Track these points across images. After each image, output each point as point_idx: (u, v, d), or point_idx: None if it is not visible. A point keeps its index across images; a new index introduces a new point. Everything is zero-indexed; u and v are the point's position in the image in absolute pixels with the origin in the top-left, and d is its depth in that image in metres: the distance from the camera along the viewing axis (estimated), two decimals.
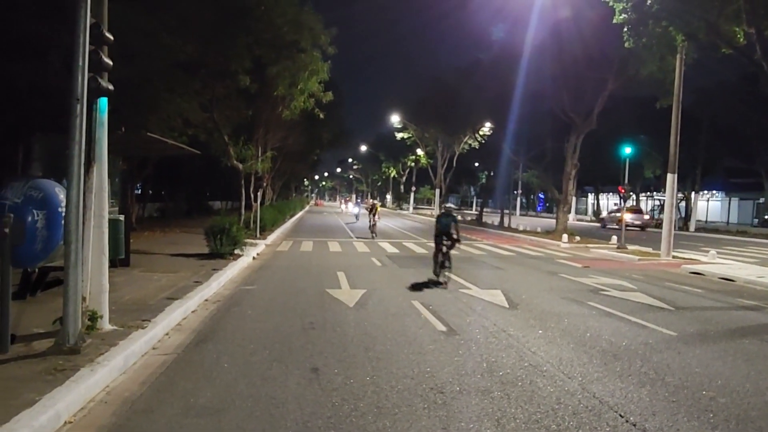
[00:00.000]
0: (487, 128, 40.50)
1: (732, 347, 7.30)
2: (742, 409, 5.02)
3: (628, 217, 33.99)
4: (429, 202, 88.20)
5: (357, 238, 24.98)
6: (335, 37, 19.74)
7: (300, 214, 53.16)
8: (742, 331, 8.39)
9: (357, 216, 39.84)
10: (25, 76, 13.99)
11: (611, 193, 60.70)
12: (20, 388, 4.61)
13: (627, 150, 22.60)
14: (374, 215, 25.24)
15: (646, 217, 40.67)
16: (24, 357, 5.50)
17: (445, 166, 51.77)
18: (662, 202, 40.21)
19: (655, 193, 54.47)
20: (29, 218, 7.44)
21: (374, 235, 24.86)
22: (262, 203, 24.15)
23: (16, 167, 15.07)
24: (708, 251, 19.35)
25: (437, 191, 55.23)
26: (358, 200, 78.83)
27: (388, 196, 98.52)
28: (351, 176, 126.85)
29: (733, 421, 4.75)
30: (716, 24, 14.71)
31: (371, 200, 38.37)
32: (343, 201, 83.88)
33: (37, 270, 8.37)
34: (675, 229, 20.21)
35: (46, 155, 9.34)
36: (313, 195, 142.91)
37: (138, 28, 14.07)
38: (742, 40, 15.15)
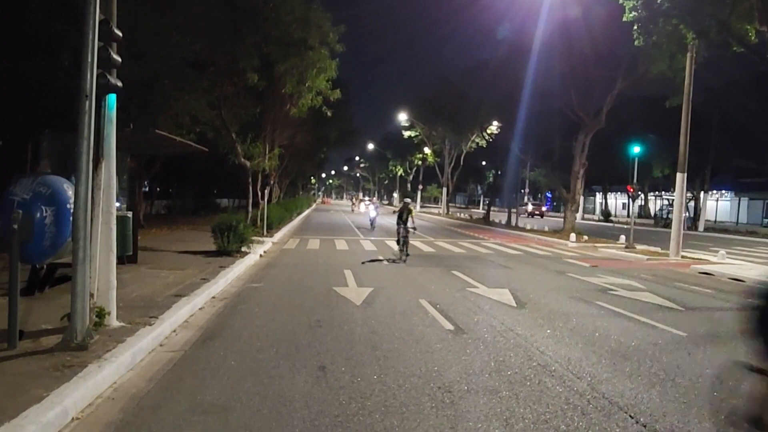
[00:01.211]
0: (494, 127, 40.41)
1: (743, 348, 7.21)
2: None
3: (530, 207, 55.97)
4: (436, 200, 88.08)
5: (364, 236, 24.95)
6: (343, 35, 19.76)
7: (307, 212, 53.22)
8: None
9: (372, 222, 30.49)
10: (35, 74, 14.06)
11: (619, 193, 60.44)
12: (28, 384, 4.62)
13: (636, 149, 22.44)
14: (406, 222, 15.95)
15: (544, 208, 60.84)
16: (32, 353, 5.51)
17: (453, 164, 51.75)
18: (671, 202, 39.98)
19: (663, 192, 54.15)
20: (38, 214, 7.46)
21: (405, 255, 15.82)
22: (269, 201, 24.19)
23: (25, 164, 15.17)
24: (717, 251, 19.20)
25: (444, 190, 55.20)
26: (367, 197, 71.03)
27: (395, 195, 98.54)
28: (358, 174, 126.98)
29: (745, 423, 4.68)
30: (728, 22, 14.58)
31: (388, 200, 27.93)
32: (354, 199, 69.73)
33: (45, 266, 8.40)
34: (684, 229, 20.05)
35: (54, 152, 9.37)
36: (320, 193, 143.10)
37: (147, 26, 14.13)
38: (753, 38, 15.03)
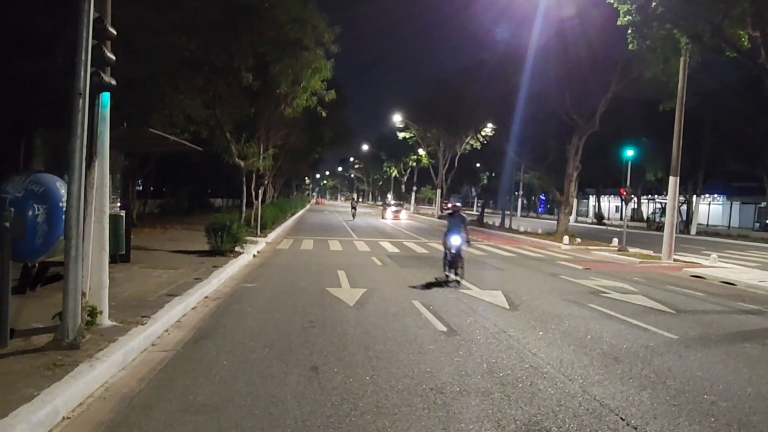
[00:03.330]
0: (489, 129, 40.49)
1: (733, 351, 7.27)
2: (744, 414, 5.00)
3: (393, 208, 53.07)
4: (430, 201, 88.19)
5: (358, 237, 24.94)
6: (339, 37, 19.74)
7: (301, 212, 53.15)
8: (743, 335, 8.36)
9: (454, 254, 11.97)
10: (29, 71, 13.98)
11: (613, 196, 60.71)
12: (19, 383, 4.59)
13: (629, 152, 22.55)
14: None
15: (404, 205, 63.37)
16: (23, 352, 5.48)
17: (447, 166, 51.83)
18: (664, 205, 40.23)
19: (656, 195, 54.45)
20: (30, 212, 7.42)
21: None
22: (263, 201, 24.14)
23: (18, 162, 15.07)
24: (709, 255, 19.32)
25: (438, 191, 55.26)
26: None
27: (390, 196, 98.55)
28: (353, 175, 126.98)
29: (735, 425, 4.72)
30: (721, 27, 14.66)
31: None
32: (352, 200, 51.23)
33: (37, 265, 8.35)
34: (676, 233, 20.15)
35: (48, 150, 9.32)
36: (314, 194, 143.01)
37: (143, 25, 14.08)
38: (746, 43, 15.12)
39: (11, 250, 5.85)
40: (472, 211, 79.54)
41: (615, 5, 16.26)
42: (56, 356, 5.33)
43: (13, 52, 13.84)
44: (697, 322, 9.13)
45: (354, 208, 45.28)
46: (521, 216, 63.07)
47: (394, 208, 50.17)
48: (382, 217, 47.22)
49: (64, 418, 4.33)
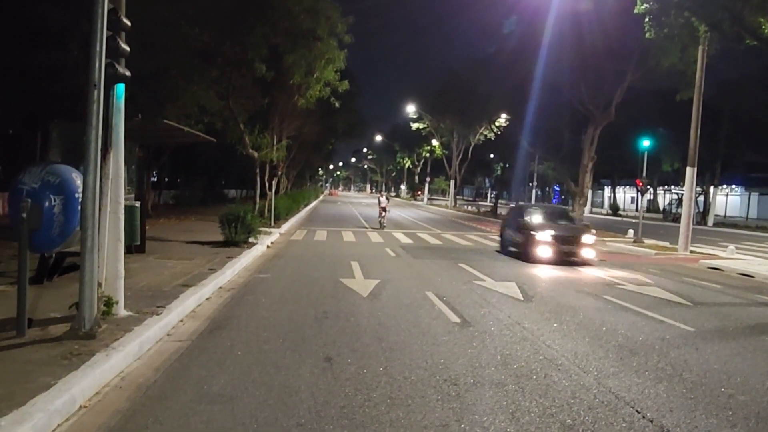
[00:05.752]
0: (503, 119, 40.24)
1: (751, 344, 7.17)
2: (762, 407, 4.93)
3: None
4: (444, 192, 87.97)
5: (371, 228, 24.94)
6: (352, 27, 19.68)
7: (314, 203, 53.28)
8: (761, 328, 8.24)
9: None
10: (44, 64, 14.10)
11: (628, 186, 60.08)
12: (36, 372, 4.65)
13: (645, 143, 22.28)
14: None
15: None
16: (40, 341, 5.54)
17: (461, 157, 51.63)
18: (680, 196, 39.73)
19: (673, 186, 53.80)
20: (46, 203, 7.50)
21: None
22: (276, 192, 24.22)
23: (34, 153, 15.26)
24: (726, 246, 19.07)
25: (452, 182, 55.06)
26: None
27: (403, 187, 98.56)
28: (366, 166, 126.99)
29: (753, 419, 4.66)
30: (741, 14, 14.37)
31: None
32: (381, 196, 27.16)
33: (53, 255, 8.44)
34: (693, 224, 19.91)
35: (63, 141, 9.40)
36: (327, 185, 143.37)
37: (156, 16, 14.12)
38: (767, 31, 14.81)
39: (28, 241, 5.91)
40: (486, 201, 79.25)
41: None
42: (73, 346, 5.39)
43: (28, 46, 13.97)
44: (714, 314, 9.02)
45: (384, 209, 25.75)
46: None
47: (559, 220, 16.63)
48: (528, 254, 14.80)
49: (80, 406, 4.38)
